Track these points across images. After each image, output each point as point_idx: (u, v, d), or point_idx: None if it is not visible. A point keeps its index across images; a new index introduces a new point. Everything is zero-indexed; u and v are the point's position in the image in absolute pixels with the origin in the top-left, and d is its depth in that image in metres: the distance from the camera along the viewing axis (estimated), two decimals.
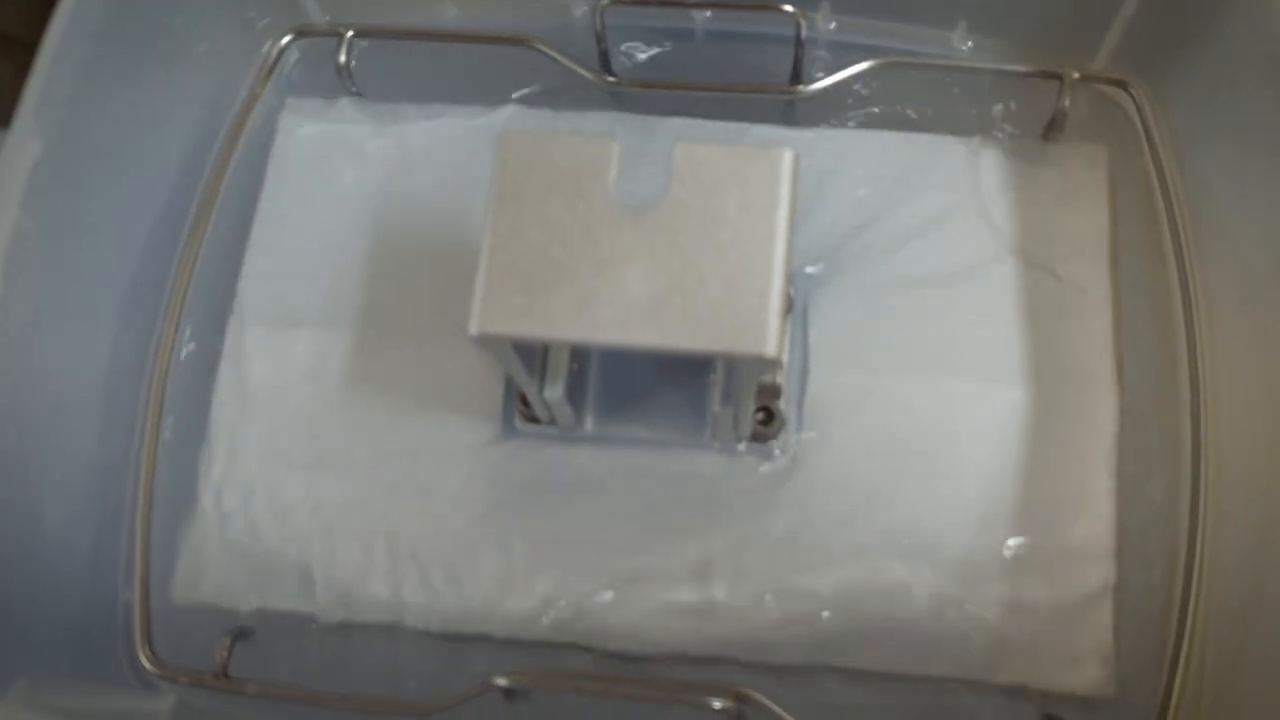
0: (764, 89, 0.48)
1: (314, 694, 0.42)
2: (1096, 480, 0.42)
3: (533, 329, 0.32)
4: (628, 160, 0.35)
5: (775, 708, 0.39)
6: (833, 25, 0.49)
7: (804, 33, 0.46)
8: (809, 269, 0.45)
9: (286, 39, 0.50)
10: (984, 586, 0.41)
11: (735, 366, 0.36)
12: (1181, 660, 0.39)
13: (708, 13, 0.49)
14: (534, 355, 0.39)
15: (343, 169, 0.48)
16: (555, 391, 0.39)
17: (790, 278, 0.43)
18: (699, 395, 0.43)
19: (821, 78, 0.47)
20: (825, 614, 0.41)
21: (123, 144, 0.45)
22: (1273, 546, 0.38)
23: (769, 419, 0.42)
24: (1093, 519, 0.42)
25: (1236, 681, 0.38)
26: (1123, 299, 0.45)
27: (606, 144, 0.34)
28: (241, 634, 0.43)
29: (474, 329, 0.33)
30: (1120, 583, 0.41)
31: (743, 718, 0.40)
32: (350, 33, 0.49)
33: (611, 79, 0.48)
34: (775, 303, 0.32)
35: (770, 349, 0.32)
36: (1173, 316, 0.44)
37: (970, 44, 0.48)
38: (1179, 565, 0.41)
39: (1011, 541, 0.41)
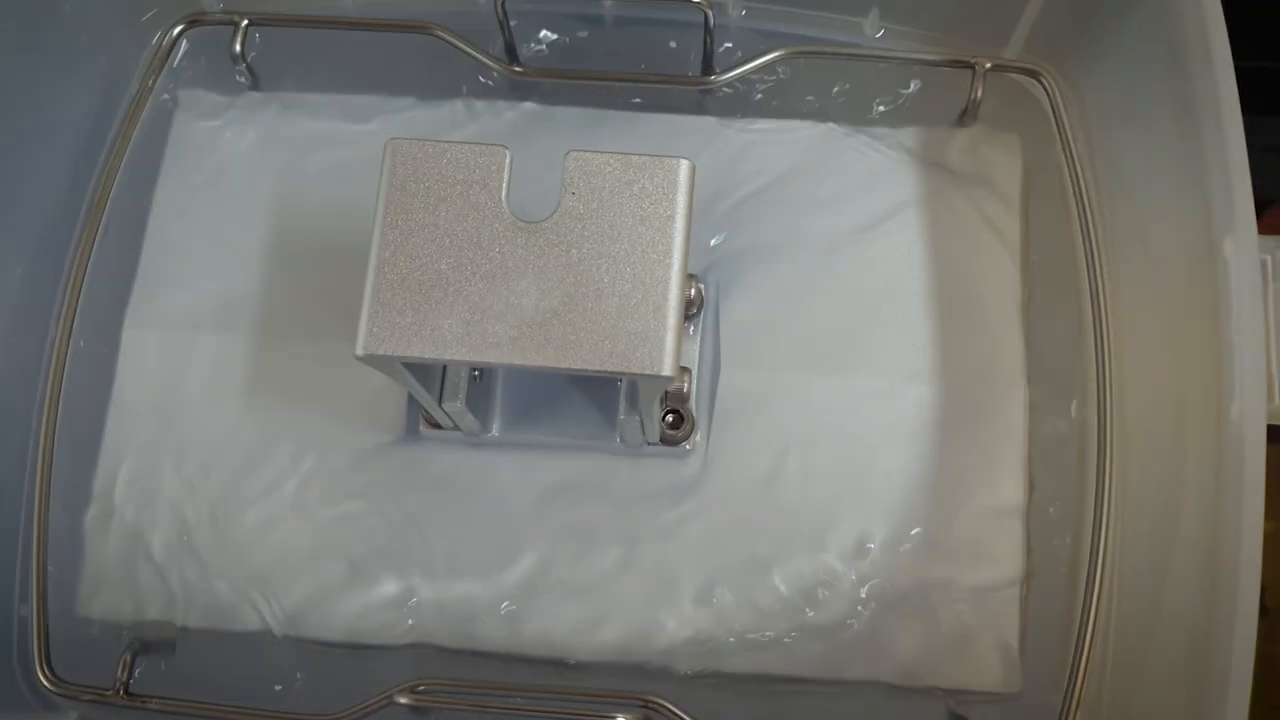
0: (673, 80, 0.47)
1: (216, 707, 0.41)
2: (1005, 477, 0.42)
3: (421, 349, 0.32)
4: (530, 155, 0.34)
5: (684, 715, 0.39)
6: (742, 12, 0.48)
7: (712, 22, 0.45)
8: (719, 263, 0.44)
9: (178, 29, 0.48)
10: (892, 586, 0.41)
11: (637, 380, 0.36)
12: (1084, 657, 0.40)
13: None
14: (431, 367, 0.38)
15: (240, 165, 0.46)
16: (455, 404, 0.38)
17: (696, 278, 0.43)
18: (608, 399, 0.42)
19: (732, 67, 0.46)
20: (735, 618, 0.41)
21: (5, 142, 0.43)
22: (1173, 541, 0.38)
23: (678, 422, 0.42)
24: (1001, 516, 0.42)
25: (1137, 676, 0.39)
26: (1033, 290, 0.45)
27: (497, 153, 0.33)
28: (143, 648, 0.42)
29: (360, 349, 0.32)
30: (1027, 581, 0.41)
31: None
32: (245, 21, 0.47)
33: (517, 69, 0.47)
34: (672, 319, 0.32)
35: (668, 368, 0.31)
36: (1082, 307, 0.44)
37: (882, 32, 0.48)
38: (1083, 563, 0.41)
39: (920, 540, 0.41)
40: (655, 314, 0.32)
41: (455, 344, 0.32)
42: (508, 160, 0.33)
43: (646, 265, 0.32)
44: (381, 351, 0.32)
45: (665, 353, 0.31)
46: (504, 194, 0.33)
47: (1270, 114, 0.47)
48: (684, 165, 0.33)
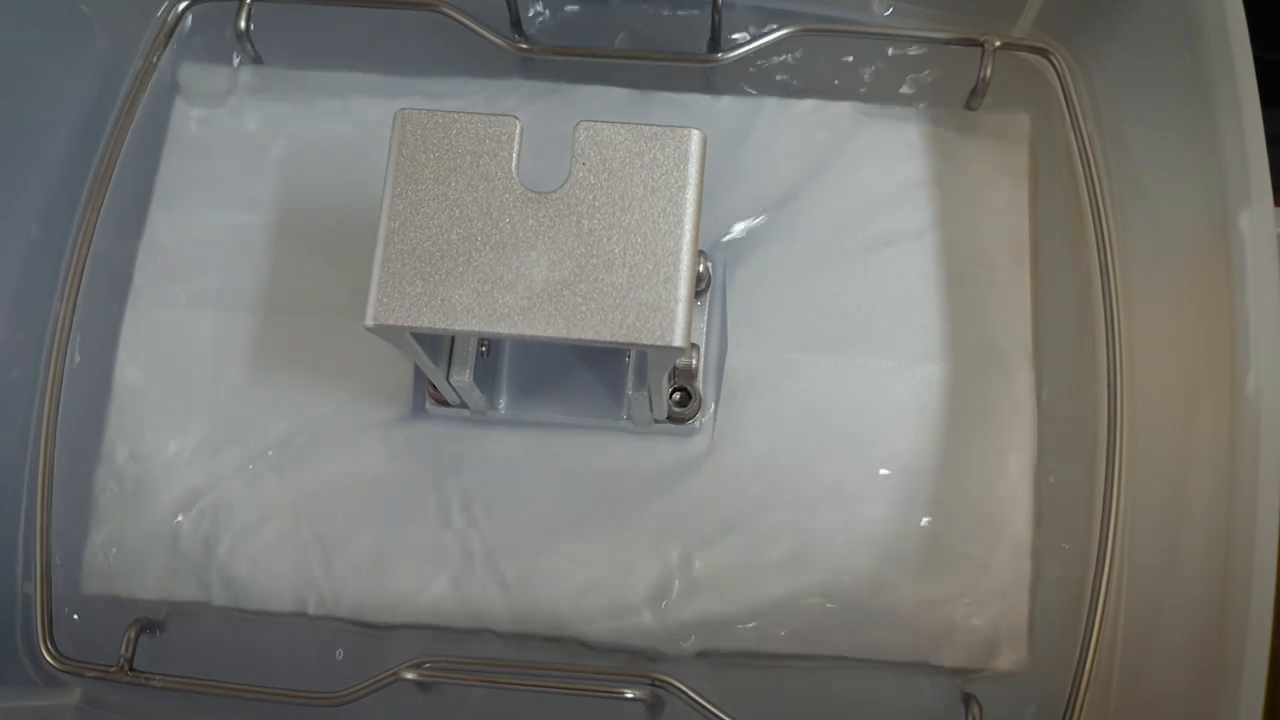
0: (680, 57, 0.47)
1: (220, 685, 0.41)
2: (1014, 457, 0.42)
3: (431, 320, 0.31)
4: (538, 132, 0.34)
5: (693, 694, 0.39)
6: None
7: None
8: (727, 242, 0.44)
9: (183, 5, 0.48)
10: (902, 566, 0.41)
11: (646, 353, 0.35)
12: (1094, 636, 0.40)
13: None
14: (439, 341, 0.37)
15: (244, 141, 0.46)
16: (462, 378, 0.38)
17: (705, 255, 0.43)
18: (615, 376, 0.42)
19: (740, 44, 0.46)
20: (744, 598, 0.41)
21: (8, 118, 0.43)
22: (1186, 518, 0.38)
23: (685, 399, 0.42)
24: (1010, 496, 0.41)
25: (1148, 655, 0.39)
26: (1042, 271, 0.44)
27: (508, 123, 0.33)
28: (147, 625, 0.42)
29: (370, 320, 0.31)
30: (1036, 560, 0.41)
31: (660, 705, 0.40)
32: None
33: (524, 45, 0.47)
34: (683, 290, 0.31)
35: (678, 339, 0.31)
36: (1091, 288, 0.44)
37: (891, 10, 0.47)
38: (1093, 541, 0.41)
39: (929, 520, 0.41)
40: (666, 285, 0.31)
41: (465, 314, 0.31)
42: (518, 130, 0.33)
43: (657, 236, 0.32)
44: (391, 322, 0.31)
45: (676, 323, 0.31)
46: (514, 164, 0.32)
47: (1272, 105, 0.46)
48: (695, 136, 0.32)
